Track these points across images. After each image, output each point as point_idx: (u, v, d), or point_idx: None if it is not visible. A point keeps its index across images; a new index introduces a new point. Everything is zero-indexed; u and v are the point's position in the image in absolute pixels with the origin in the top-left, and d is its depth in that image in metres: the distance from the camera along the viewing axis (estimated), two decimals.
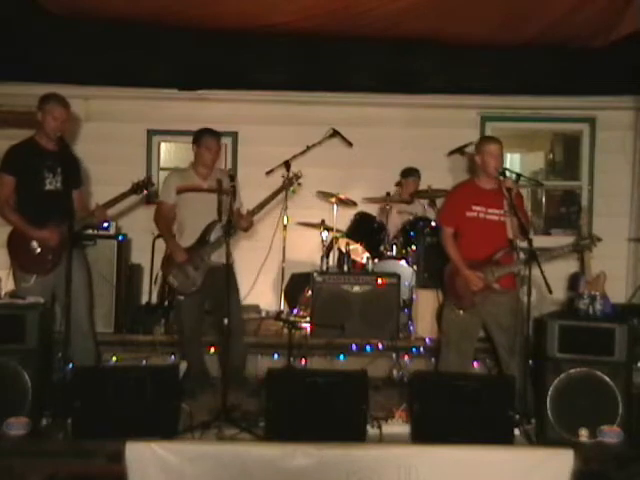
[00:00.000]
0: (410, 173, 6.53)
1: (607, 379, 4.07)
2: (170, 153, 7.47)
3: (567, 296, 6.00)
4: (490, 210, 4.47)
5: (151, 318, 5.93)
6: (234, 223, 4.78)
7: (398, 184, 6.66)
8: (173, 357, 5.37)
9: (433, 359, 5.33)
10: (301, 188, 5.54)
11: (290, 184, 5.13)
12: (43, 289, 4.30)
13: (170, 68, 6.67)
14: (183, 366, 4.79)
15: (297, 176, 5.10)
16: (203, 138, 4.91)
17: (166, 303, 5.97)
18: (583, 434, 4.01)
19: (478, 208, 4.47)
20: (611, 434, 3.98)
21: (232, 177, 4.63)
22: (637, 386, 4.32)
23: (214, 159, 4.97)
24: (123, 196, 4.50)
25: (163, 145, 7.33)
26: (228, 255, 4.36)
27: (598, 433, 4.00)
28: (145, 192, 4.57)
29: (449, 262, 4.58)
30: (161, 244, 6.22)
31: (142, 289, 6.48)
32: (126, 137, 7.04)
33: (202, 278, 4.81)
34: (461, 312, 4.51)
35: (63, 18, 5.71)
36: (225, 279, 4.38)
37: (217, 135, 4.99)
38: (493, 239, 4.46)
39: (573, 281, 5.89)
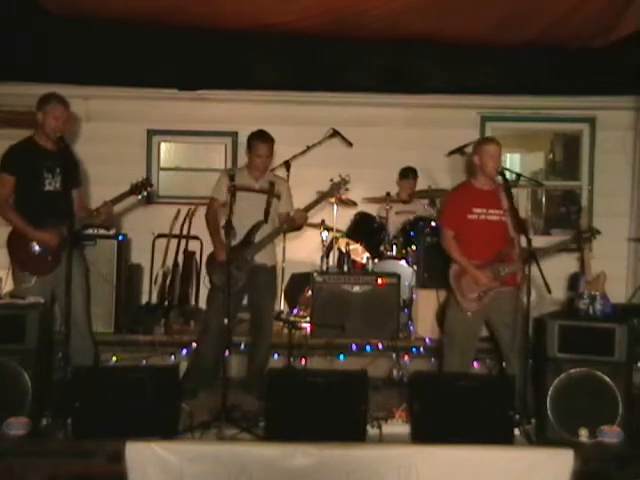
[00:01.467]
0: (405, 175, 6.54)
1: (607, 379, 4.06)
2: (170, 153, 7.47)
3: (567, 296, 6.00)
4: (491, 211, 4.47)
5: (151, 318, 5.92)
6: (284, 226, 4.90)
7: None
8: (173, 357, 5.37)
9: (433, 359, 5.33)
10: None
11: (338, 188, 5.10)
12: (43, 289, 4.29)
13: (170, 68, 6.66)
14: (183, 366, 4.80)
15: (345, 181, 5.07)
16: (253, 144, 4.90)
17: (166, 303, 5.98)
18: (583, 434, 4.01)
19: (479, 210, 4.47)
20: (611, 434, 3.98)
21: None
22: (637, 386, 4.33)
23: (265, 164, 4.94)
24: (121, 197, 4.47)
25: (163, 145, 7.32)
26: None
27: (598, 433, 3.99)
28: (144, 193, 4.55)
29: (452, 264, 4.55)
30: (161, 244, 6.28)
31: (142, 289, 6.48)
32: (126, 137, 7.03)
33: (245, 278, 4.79)
34: (469, 314, 4.46)
35: (63, 18, 5.71)
36: (226, 279, 4.38)
37: (268, 140, 4.91)
38: (495, 239, 4.46)
39: (573, 281, 5.88)
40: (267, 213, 4.63)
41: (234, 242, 4.71)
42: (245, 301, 5.10)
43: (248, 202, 4.81)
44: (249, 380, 4.90)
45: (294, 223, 4.95)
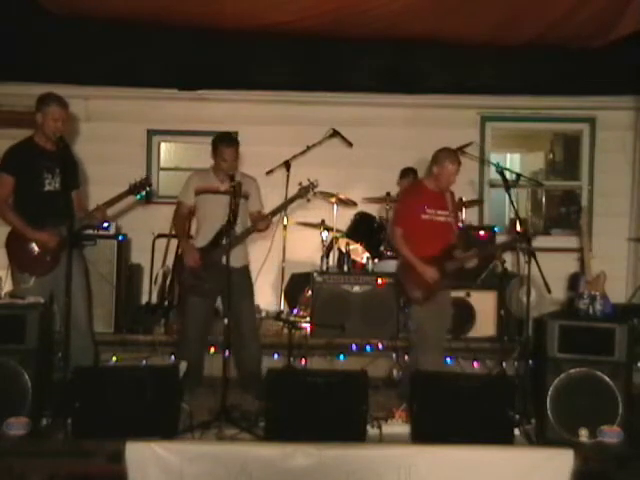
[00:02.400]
0: (405, 174, 6.54)
1: (607, 379, 4.07)
2: (170, 153, 7.47)
3: (567, 296, 6.01)
4: (439, 212, 4.73)
5: (151, 318, 5.92)
6: (252, 225, 4.86)
7: None
8: (173, 357, 5.36)
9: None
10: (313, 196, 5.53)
11: (306, 192, 5.10)
12: (42, 290, 4.28)
13: (170, 68, 6.67)
14: (183, 366, 4.79)
15: (313, 185, 5.07)
16: (218, 148, 4.86)
17: (166, 303, 5.98)
18: (583, 434, 4.01)
19: (430, 210, 4.72)
20: (611, 434, 3.99)
21: (232, 177, 4.60)
22: (637, 386, 4.32)
23: (231, 167, 4.90)
24: (120, 197, 4.46)
25: (163, 145, 7.33)
26: (228, 258, 4.36)
27: (598, 433, 4.00)
28: (144, 193, 4.54)
29: (399, 259, 4.90)
30: (161, 244, 6.27)
31: (142, 289, 6.47)
32: (126, 137, 7.04)
33: (214, 280, 4.74)
34: (417, 307, 4.70)
35: (63, 18, 5.71)
36: (228, 281, 4.38)
37: (234, 144, 4.89)
38: (441, 238, 4.71)
39: (573, 281, 5.88)
40: (234, 215, 4.55)
41: (202, 244, 4.77)
42: (219, 305, 5.09)
43: (215, 204, 4.77)
44: (243, 382, 4.86)
45: (257, 227, 4.88)
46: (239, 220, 4.73)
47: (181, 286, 4.88)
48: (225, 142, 4.85)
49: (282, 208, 5.08)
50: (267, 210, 4.98)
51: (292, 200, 5.07)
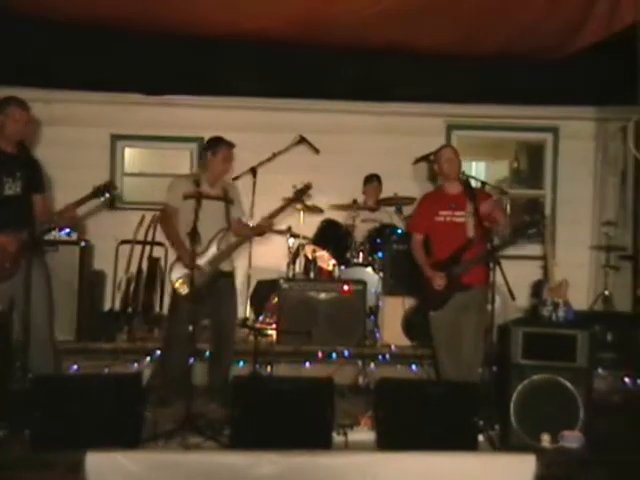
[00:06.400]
0: (369, 180, 6.58)
1: (569, 385, 4.12)
2: (135, 158, 7.39)
3: (531, 303, 6.07)
4: (457, 213, 4.65)
5: (114, 325, 5.84)
6: (235, 232, 4.86)
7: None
8: (136, 365, 5.30)
9: (399, 366, 5.37)
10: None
11: (302, 194, 5.10)
12: (1, 296, 4.19)
13: (136, 73, 6.58)
14: (147, 373, 4.73)
15: (307, 187, 5.08)
16: (220, 147, 4.87)
17: (129, 310, 5.90)
18: (545, 439, 4.05)
19: (445, 212, 4.68)
20: (572, 439, 4.04)
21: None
22: (598, 391, 4.38)
23: (228, 169, 4.94)
24: (84, 200, 4.37)
25: (127, 150, 7.25)
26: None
27: (559, 438, 4.04)
28: (107, 196, 4.48)
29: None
30: (124, 250, 6.19)
31: (105, 296, 6.38)
32: (89, 142, 6.95)
33: (207, 285, 4.74)
34: (431, 313, 4.66)
35: (26, 19, 5.60)
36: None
37: (232, 145, 4.95)
38: (456, 239, 4.61)
39: (536, 288, 5.96)
40: (229, 220, 4.56)
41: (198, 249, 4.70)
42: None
43: (204, 209, 4.73)
44: (213, 388, 4.83)
45: (260, 231, 4.95)
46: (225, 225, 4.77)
47: (177, 292, 4.79)
48: (226, 143, 4.90)
49: (280, 211, 5.04)
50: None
51: (289, 203, 5.10)
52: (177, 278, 4.77)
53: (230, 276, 4.95)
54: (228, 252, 4.84)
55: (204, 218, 4.67)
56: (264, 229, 4.96)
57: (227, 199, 4.88)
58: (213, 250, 4.78)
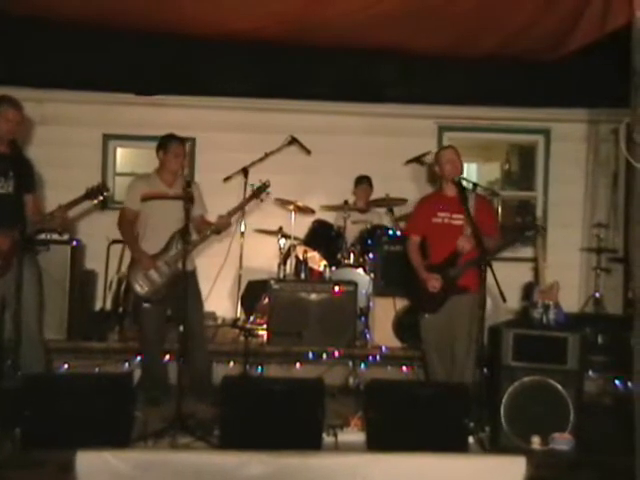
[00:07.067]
0: (360, 181, 6.59)
1: (559, 387, 4.14)
2: (126, 158, 7.37)
3: (521, 305, 6.09)
4: (454, 215, 4.65)
5: (105, 325, 5.83)
6: (197, 229, 4.82)
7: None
8: (127, 365, 5.29)
9: (389, 367, 5.39)
10: (264, 195, 5.52)
11: (259, 193, 5.10)
12: None
13: (127, 72, 6.56)
14: (137, 373, 4.73)
15: (265, 185, 5.08)
16: (170, 144, 4.85)
17: (120, 310, 5.88)
18: (535, 441, 4.07)
19: (443, 214, 4.68)
20: (562, 441, 4.05)
21: (188, 183, 4.57)
22: (588, 394, 4.40)
23: (181, 166, 4.92)
24: (76, 202, 4.38)
25: (119, 150, 7.23)
26: (184, 262, 4.35)
27: (550, 440, 4.06)
28: (100, 198, 4.47)
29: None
30: (116, 250, 6.17)
31: (96, 295, 6.36)
32: (81, 141, 6.93)
33: (167, 285, 4.74)
34: (426, 315, 4.65)
35: (17, 18, 5.58)
36: (185, 286, 4.38)
37: (183, 141, 4.94)
38: (454, 242, 4.58)
39: (527, 290, 5.97)
40: (188, 220, 4.51)
41: (154, 251, 4.73)
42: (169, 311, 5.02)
43: (163, 210, 4.74)
44: (194, 387, 4.77)
45: (219, 228, 4.87)
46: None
47: (136, 294, 4.78)
48: (175, 138, 4.87)
49: (239, 209, 5.03)
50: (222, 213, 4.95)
51: (248, 201, 5.09)
52: (135, 279, 4.76)
53: (192, 275, 4.87)
54: (188, 251, 4.68)
55: (163, 218, 4.68)
56: (223, 227, 4.89)
57: (187, 197, 4.66)
58: (172, 250, 4.75)
